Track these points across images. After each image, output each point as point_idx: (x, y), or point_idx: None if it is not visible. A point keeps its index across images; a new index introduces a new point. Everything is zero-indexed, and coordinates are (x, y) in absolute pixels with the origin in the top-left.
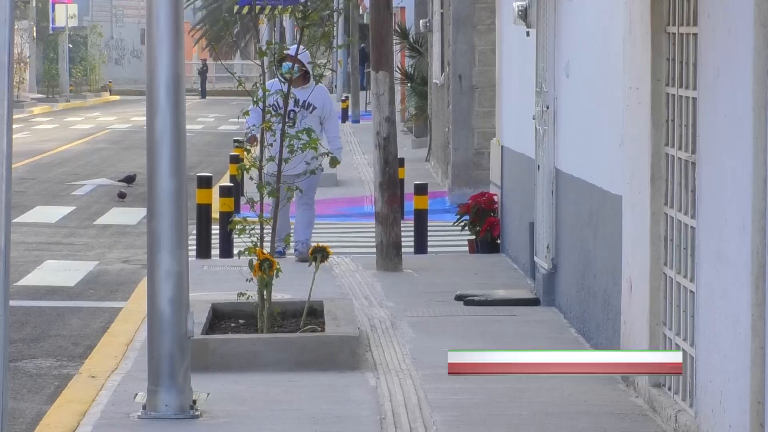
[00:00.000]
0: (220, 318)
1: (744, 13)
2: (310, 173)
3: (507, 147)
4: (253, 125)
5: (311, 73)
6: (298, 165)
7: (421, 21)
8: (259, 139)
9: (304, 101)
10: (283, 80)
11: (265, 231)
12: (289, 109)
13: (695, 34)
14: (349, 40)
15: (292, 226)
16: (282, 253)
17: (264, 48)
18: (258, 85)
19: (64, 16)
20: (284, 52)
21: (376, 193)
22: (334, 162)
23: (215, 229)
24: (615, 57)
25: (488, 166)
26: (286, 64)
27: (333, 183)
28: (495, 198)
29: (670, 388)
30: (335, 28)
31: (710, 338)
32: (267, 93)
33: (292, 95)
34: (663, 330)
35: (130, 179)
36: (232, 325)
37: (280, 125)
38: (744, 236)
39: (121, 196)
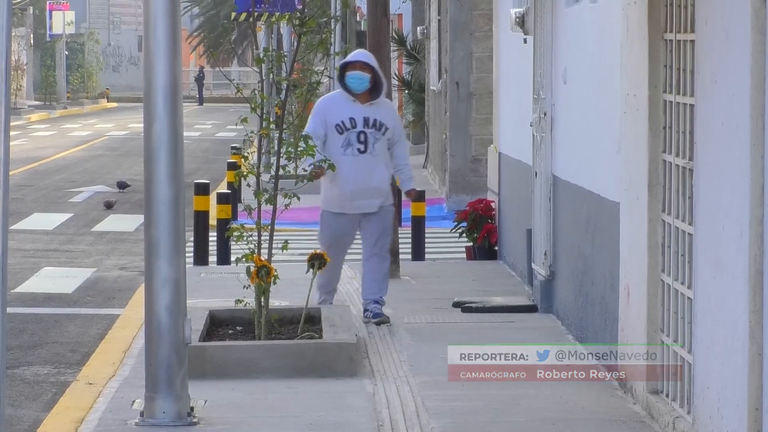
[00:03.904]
0: (217, 325)
1: (741, 19)
2: (388, 211)
3: (504, 154)
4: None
5: (383, 81)
6: (371, 202)
7: (418, 28)
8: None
9: (375, 120)
10: (349, 94)
11: (262, 238)
12: (358, 130)
13: (692, 41)
14: (346, 47)
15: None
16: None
17: (261, 55)
18: (255, 92)
19: (61, 23)
20: (350, 60)
21: None
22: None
23: (213, 236)
24: (612, 64)
25: (486, 172)
26: (354, 75)
27: None
28: (492, 205)
29: (667, 395)
30: (332, 35)
31: (708, 345)
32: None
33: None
34: (660, 337)
35: (122, 185)
36: (230, 332)
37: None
38: (741, 243)
39: (108, 205)
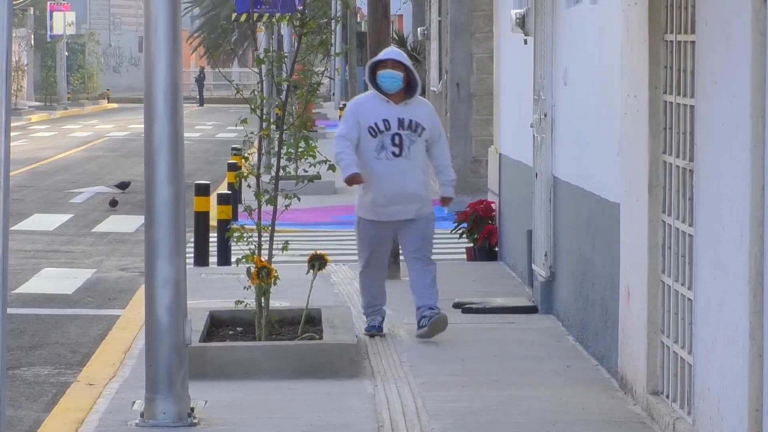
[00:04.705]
0: (218, 326)
1: (741, 20)
2: (427, 218)
3: (505, 155)
4: (344, 150)
5: (418, 80)
6: (407, 208)
7: (419, 29)
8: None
9: (411, 121)
10: (381, 93)
11: (263, 239)
12: (393, 132)
13: (693, 42)
14: (346, 48)
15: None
16: (378, 328)
17: (262, 56)
18: (256, 92)
19: (61, 23)
20: (381, 58)
21: None
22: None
23: (213, 237)
24: (613, 65)
25: (486, 173)
26: (386, 74)
27: (331, 191)
28: (493, 206)
29: (668, 396)
30: (333, 36)
31: (708, 346)
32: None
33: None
34: (661, 338)
35: (123, 185)
36: (230, 332)
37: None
38: (742, 244)
39: (113, 204)
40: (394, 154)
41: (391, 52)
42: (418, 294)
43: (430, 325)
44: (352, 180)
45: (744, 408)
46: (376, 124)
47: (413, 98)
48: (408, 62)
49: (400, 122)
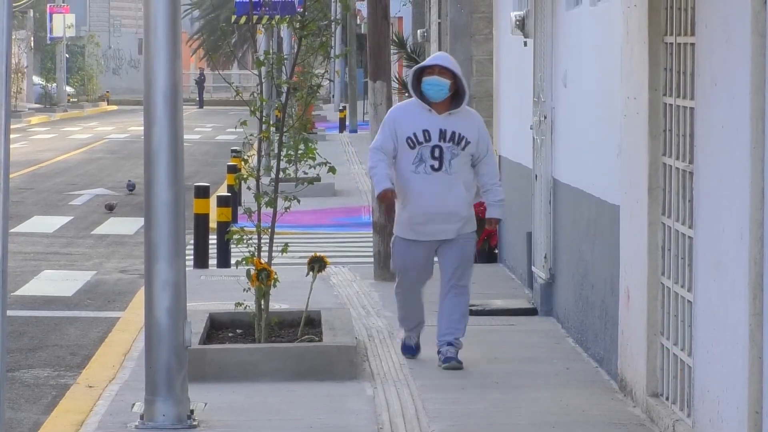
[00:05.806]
0: (217, 328)
1: (741, 22)
2: (467, 238)
3: (504, 157)
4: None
5: (466, 89)
6: (447, 227)
7: (418, 31)
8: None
9: (454, 133)
10: (424, 103)
11: (262, 241)
12: (433, 144)
13: (692, 44)
14: (346, 49)
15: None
16: (414, 349)
17: (262, 58)
18: (255, 94)
19: (61, 26)
20: (428, 64)
21: (373, 203)
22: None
23: (213, 239)
24: (613, 67)
25: None
26: (432, 81)
27: (331, 193)
28: None
29: (667, 398)
30: (333, 38)
31: (708, 348)
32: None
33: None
34: (660, 340)
35: (132, 186)
36: (230, 335)
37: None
38: (742, 246)
39: (109, 208)
40: (433, 167)
41: (439, 57)
42: (442, 325)
43: (444, 367)
44: (383, 197)
45: (744, 410)
46: (415, 135)
47: (459, 108)
48: (457, 69)
49: (442, 134)
